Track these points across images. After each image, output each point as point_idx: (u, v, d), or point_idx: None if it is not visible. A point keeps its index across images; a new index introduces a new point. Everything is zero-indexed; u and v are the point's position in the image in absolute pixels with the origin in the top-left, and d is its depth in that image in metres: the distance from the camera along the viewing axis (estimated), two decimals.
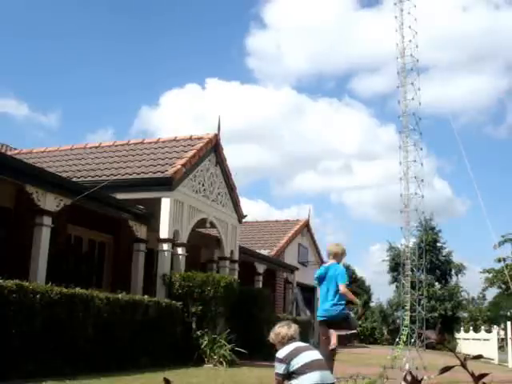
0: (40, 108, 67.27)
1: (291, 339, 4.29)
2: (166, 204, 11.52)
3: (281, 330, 4.36)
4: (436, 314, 30.50)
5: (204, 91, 58.14)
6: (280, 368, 4.12)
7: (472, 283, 70.11)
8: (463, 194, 71.44)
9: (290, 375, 4.05)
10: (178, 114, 61.14)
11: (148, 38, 61.13)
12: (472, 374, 1.38)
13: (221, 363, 10.46)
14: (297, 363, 4.02)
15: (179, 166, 11.76)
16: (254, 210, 58.99)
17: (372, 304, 37.43)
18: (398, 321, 27.59)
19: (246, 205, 50.46)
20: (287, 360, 4.07)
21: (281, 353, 4.18)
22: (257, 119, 59.60)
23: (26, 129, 62.21)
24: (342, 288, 6.39)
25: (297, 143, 61.59)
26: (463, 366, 1.37)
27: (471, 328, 28.68)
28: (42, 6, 54.28)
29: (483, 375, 1.38)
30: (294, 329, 4.38)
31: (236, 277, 13.80)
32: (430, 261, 31.49)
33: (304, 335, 19.96)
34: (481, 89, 58.49)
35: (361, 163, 67.24)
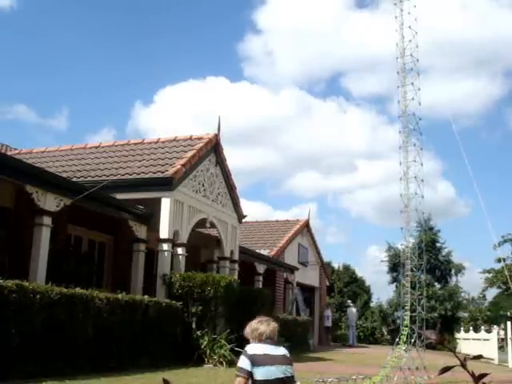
0: (47, 111, 67.02)
1: (268, 338, 3.94)
2: (165, 204, 11.52)
3: (259, 326, 4.00)
4: (436, 314, 30.53)
5: (199, 91, 57.96)
6: (244, 362, 3.74)
7: (472, 283, 70.28)
8: (467, 196, 71.41)
9: (251, 377, 3.73)
10: (176, 113, 60.99)
11: (144, 36, 61.13)
12: (472, 374, 1.38)
13: (221, 363, 10.46)
14: (262, 374, 3.71)
15: (179, 166, 11.76)
16: (257, 212, 58.92)
17: (372, 304, 37.46)
18: (398, 321, 27.60)
19: (249, 207, 50.44)
20: (254, 361, 3.75)
21: (251, 349, 3.84)
22: (258, 120, 59.57)
23: (34, 134, 62.16)
24: None
25: (298, 144, 61.59)
26: (463, 366, 1.37)
27: (471, 328, 28.68)
28: (36, 2, 54.32)
29: (483, 375, 1.38)
30: (272, 327, 4.00)
31: (236, 277, 13.79)
32: (429, 261, 31.50)
33: (304, 335, 19.96)
34: (479, 93, 58.55)
35: (365, 163, 67.01)
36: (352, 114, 65.96)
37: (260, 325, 4.02)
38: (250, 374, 3.73)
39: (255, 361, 3.75)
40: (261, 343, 3.93)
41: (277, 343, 3.99)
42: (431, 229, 34.16)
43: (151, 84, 67.49)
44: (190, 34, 60.15)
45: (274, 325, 4.07)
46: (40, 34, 53.95)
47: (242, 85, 62.59)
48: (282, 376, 3.76)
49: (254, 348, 3.87)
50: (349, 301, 26.43)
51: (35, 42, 54.50)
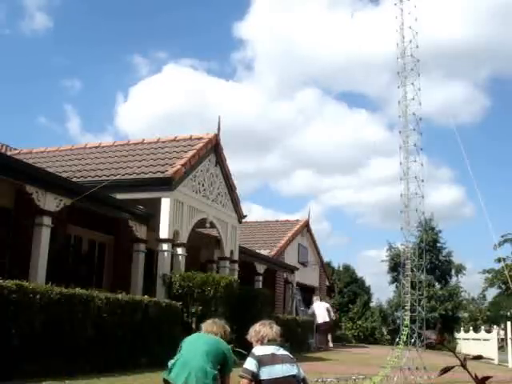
0: (54, 116, 66.90)
1: (271, 341, 4.04)
2: (165, 204, 11.51)
3: (261, 328, 4.11)
4: (436, 314, 30.52)
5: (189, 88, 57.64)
6: (251, 363, 3.80)
7: (473, 283, 70.28)
8: (473, 199, 71.45)
9: (256, 378, 3.78)
10: (177, 115, 60.90)
11: (138, 36, 61.12)
12: (475, 377, 1.37)
13: None
14: (268, 374, 3.77)
15: (179, 166, 11.76)
16: (259, 215, 58.84)
17: (372, 304, 37.42)
18: (398, 321, 27.59)
19: (248, 208, 50.41)
20: (261, 361, 3.82)
21: (258, 350, 3.93)
22: (261, 123, 59.52)
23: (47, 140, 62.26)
24: None
25: (299, 145, 61.53)
26: (463, 366, 1.37)
27: (471, 328, 28.67)
28: None
29: (486, 378, 1.36)
30: (275, 330, 4.11)
31: (236, 277, 13.78)
32: (430, 261, 31.51)
33: (304, 335, 19.92)
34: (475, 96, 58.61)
35: (370, 163, 66.90)
36: (351, 113, 65.91)
37: (263, 327, 4.14)
38: (254, 375, 3.80)
39: (262, 361, 3.84)
40: (264, 345, 4.02)
41: (279, 344, 4.07)
42: (432, 229, 34.17)
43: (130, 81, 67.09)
44: (185, 36, 60.13)
45: (276, 328, 4.21)
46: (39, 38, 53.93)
47: (236, 85, 62.53)
48: (286, 374, 3.84)
49: (260, 349, 3.96)
50: None
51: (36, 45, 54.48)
